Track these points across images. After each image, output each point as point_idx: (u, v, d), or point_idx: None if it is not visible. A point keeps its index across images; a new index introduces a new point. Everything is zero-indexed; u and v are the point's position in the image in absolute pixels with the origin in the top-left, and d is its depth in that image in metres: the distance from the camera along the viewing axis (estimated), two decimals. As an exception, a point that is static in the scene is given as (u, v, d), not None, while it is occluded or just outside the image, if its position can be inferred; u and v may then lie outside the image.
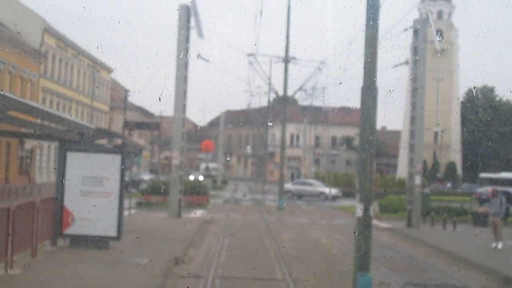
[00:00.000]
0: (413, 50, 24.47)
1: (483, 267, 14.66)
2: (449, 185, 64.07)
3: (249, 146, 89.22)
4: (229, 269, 13.33)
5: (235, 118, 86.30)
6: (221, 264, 13.81)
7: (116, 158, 13.94)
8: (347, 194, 44.77)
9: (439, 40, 67.74)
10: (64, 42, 48.72)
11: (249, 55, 34.40)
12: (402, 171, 61.02)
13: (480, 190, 53.63)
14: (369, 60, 10.32)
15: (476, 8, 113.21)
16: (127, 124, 32.63)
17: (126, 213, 19.00)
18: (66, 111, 48.62)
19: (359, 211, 10.18)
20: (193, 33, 24.25)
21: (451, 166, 69.22)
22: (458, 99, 73.78)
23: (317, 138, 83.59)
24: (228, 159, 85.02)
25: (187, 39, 24.04)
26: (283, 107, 36.94)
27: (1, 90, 10.69)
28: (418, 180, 23.68)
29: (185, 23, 23.97)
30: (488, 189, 52.15)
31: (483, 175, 59.76)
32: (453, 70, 72.22)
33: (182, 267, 13.09)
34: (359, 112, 10.61)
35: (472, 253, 16.71)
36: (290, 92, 37.32)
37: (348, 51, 71.24)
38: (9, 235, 10.77)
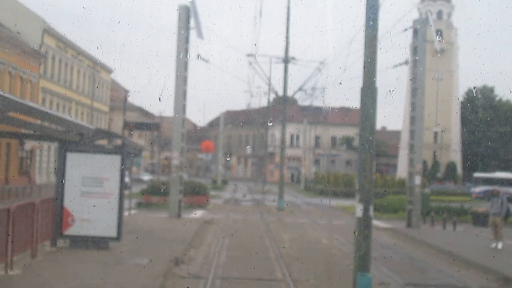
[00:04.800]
0: (413, 50, 24.46)
1: (483, 267, 14.66)
2: (447, 184, 64.04)
3: (249, 147, 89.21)
4: (229, 269, 13.33)
5: (235, 118, 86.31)
6: (221, 265, 13.81)
7: (116, 159, 13.94)
8: (347, 194, 44.75)
9: (439, 40, 67.76)
10: (64, 43, 48.72)
11: (249, 55, 34.43)
12: (402, 171, 61.00)
13: (475, 190, 53.91)
14: (369, 60, 10.31)
15: (476, 8, 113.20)
16: (127, 125, 32.61)
17: (126, 213, 19.02)
18: (66, 111, 48.62)
19: (359, 211, 10.18)
20: (193, 34, 24.31)
21: (451, 166, 69.21)
22: (458, 99, 73.77)
23: (317, 138, 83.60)
24: (228, 159, 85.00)
25: (187, 40, 24.05)
26: (283, 107, 36.94)
27: (1, 91, 10.70)
28: (418, 180, 23.67)
29: (185, 23, 23.98)
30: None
31: (477, 174, 59.95)
32: (453, 70, 72.19)
33: (182, 267, 13.09)
34: (359, 112, 10.61)
35: (472, 253, 16.70)
36: (290, 92, 37.39)
37: (348, 51, 71.34)
38: (9, 235, 10.77)
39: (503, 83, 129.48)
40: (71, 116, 37.05)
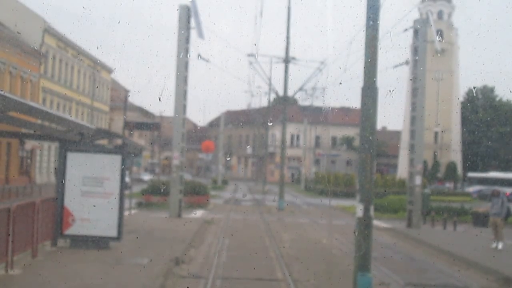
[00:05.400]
0: (413, 50, 24.46)
1: (483, 267, 14.66)
2: (447, 185, 64.11)
3: (249, 146, 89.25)
4: (230, 269, 13.33)
5: (235, 118, 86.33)
6: (221, 264, 13.81)
7: (116, 159, 13.94)
8: (347, 194, 44.76)
9: (439, 40, 67.73)
10: (64, 43, 48.72)
11: (249, 55, 34.45)
12: (402, 171, 61.03)
13: (469, 189, 54.07)
14: (369, 60, 10.31)
15: (476, 8, 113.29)
16: (127, 125, 32.63)
17: (126, 213, 19.00)
18: (66, 111, 48.62)
19: (359, 211, 10.18)
20: (193, 33, 24.31)
21: (451, 166, 69.20)
22: (458, 99, 73.77)
23: (317, 138, 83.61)
24: (228, 159, 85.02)
25: (187, 39, 24.05)
26: (283, 107, 36.94)
27: (1, 91, 10.70)
28: (418, 180, 23.67)
29: (185, 23, 23.98)
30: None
31: (471, 174, 60.11)
32: (453, 70, 72.19)
33: (183, 267, 13.09)
34: (359, 112, 10.61)
35: (472, 253, 16.70)
36: (290, 92, 37.34)
37: (348, 51, 71.28)
38: (9, 235, 10.78)
39: (503, 83, 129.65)
40: (71, 116, 37.06)
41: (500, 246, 18.00)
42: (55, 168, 34.22)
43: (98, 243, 13.88)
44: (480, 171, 64.49)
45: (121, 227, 14.03)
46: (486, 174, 57.91)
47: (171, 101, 24.26)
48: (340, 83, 59.02)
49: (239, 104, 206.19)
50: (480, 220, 25.22)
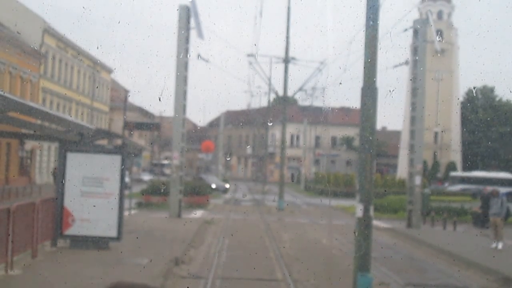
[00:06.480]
0: (413, 50, 24.46)
1: (483, 267, 14.66)
2: (446, 185, 64.06)
3: (249, 147, 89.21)
4: (230, 269, 13.34)
5: (235, 118, 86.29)
6: (221, 265, 13.81)
7: (116, 159, 13.94)
8: (347, 194, 44.72)
9: (439, 40, 67.70)
10: (64, 43, 48.72)
11: (249, 55, 34.47)
12: (402, 171, 60.98)
13: (451, 189, 54.14)
14: (369, 60, 10.32)
15: (476, 8, 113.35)
16: (127, 125, 32.64)
17: (126, 213, 19.01)
18: (66, 111, 48.60)
19: (359, 211, 10.18)
20: (193, 34, 24.33)
21: (451, 166, 69.15)
22: (458, 99, 73.73)
23: (317, 138, 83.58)
24: (228, 159, 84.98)
25: (187, 40, 24.06)
26: (283, 107, 36.94)
27: (1, 91, 10.70)
28: (418, 180, 23.67)
29: (185, 23, 24.00)
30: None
31: (453, 174, 60.19)
32: (453, 70, 72.16)
33: (182, 267, 13.09)
34: (359, 112, 10.61)
35: (472, 253, 16.70)
36: (290, 92, 37.32)
37: (348, 51, 71.27)
38: (9, 235, 10.77)
39: (503, 83, 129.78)
40: (71, 116, 37.05)
41: (500, 246, 18.00)
42: (54, 168, 34.24)
43: (98, 243, 13.88)
44: (479, 171, 64.49)
45: (121, 227, 14.03)
46: (468, 173, 58.11)
47: (171, 101, 24.30)
48: (340, 83, 58.88)
49: (239, 104, 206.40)
50: (480, 220, 25.21)
